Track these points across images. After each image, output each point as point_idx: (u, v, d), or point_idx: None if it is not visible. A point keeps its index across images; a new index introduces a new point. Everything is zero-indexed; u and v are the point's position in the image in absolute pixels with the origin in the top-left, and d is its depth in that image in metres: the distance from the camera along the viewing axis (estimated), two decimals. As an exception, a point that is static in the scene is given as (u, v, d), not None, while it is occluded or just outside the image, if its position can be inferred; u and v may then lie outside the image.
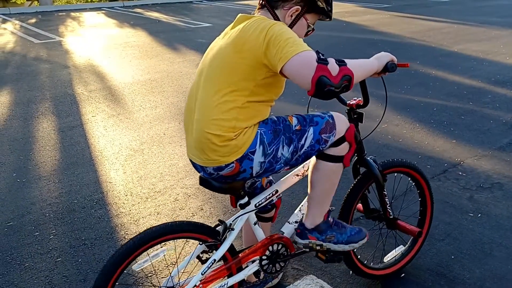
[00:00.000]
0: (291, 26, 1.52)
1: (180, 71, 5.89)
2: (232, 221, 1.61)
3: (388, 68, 1.59)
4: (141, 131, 3.82)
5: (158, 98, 4.76)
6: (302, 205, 1.81)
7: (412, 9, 12.44)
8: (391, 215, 1.92)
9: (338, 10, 12.42)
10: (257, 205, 1.63)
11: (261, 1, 1.54)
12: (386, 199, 1.89)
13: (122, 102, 4.64)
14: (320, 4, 1.51)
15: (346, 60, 1.40)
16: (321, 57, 1.33)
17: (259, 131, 1.48)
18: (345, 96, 4.58)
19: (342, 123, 1.61)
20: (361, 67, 1.47)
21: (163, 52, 7.14)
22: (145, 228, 1.86)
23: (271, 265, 1.71)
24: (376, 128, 1.97)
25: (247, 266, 1.68)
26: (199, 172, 1.58)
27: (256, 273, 1.72)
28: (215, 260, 1.54)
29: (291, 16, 1.51)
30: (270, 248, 1.69)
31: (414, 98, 4.56)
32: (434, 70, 5.70)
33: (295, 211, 1.81)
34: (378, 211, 1.94)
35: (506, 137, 3.54)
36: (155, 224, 2.08)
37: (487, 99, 4.42)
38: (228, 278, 1.63)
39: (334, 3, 14.12)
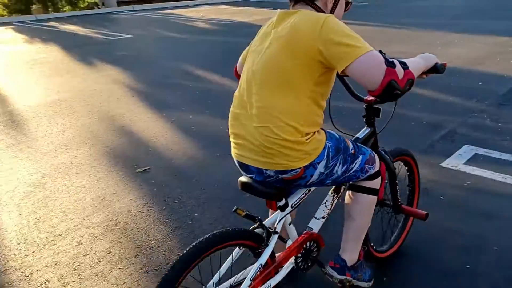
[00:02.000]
0: (333, 9, 1.54)
1: (94, 88, 5.45)
2: (272, 225, 1.65)
3: (439, 69, 1.67)
4: (43, 162, 3.39)
5: (67, 120, 4.31)
6: (326, 200, 1.82)
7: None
8: (400, 202, 2.04)
9: (214, 16, 12.22)
10: (293, 205, 1.66)
11: None
12: (397, 188, 2.01)
13: (24, 128, 4.14)
14: None
15: (406, 61, 1.44)
16: (388, 59, 1.35)
17: (327, 143, 1.53)
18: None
19: (378, 159, 1.74)
20: (417, 68, 1.54)
21: (76, 68, 6.62)
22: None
23: (304, 262, 1.77)
24: (387, 124, 1.94)
25: (283, 266, 1.72)
26: (247, 175, 1.57)
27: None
28: (261, 264, 1.56)
29: (336, 1, 1.53)
30: (304, 246, 1.75)
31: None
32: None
33: (320, 207, 1.82)
34: (389, 199, 2.06)
35: (428, 139, 3.53)
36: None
37: (406, 101, 4.45)
38: (270, 279, 1.65)
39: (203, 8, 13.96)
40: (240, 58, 1.78)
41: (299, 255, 1.74)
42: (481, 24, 9.14)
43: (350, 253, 1.79)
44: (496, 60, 6.04)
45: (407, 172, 2.23)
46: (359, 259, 1.82)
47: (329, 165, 1.53)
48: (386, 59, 1.34)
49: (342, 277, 1.77)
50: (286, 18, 1.48)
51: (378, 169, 1.72)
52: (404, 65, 1.39)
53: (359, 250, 1.81)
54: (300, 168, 1.47)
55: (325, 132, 1.55)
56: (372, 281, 1.89)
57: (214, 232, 1.44)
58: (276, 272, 1.67)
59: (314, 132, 1.48)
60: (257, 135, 1.45)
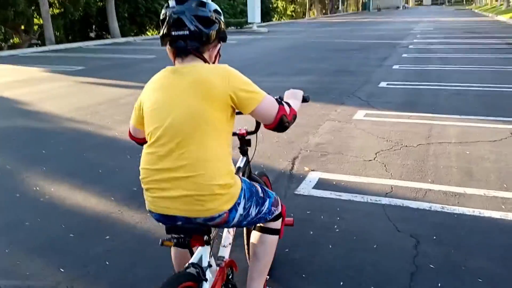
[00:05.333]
0: (215, 60, 1.83)
1: None
2: (200, 261, 1.73)
3: (307, 99, 2.15)
4: None
5: None
6: (228, 230, 2.10)
7: (109, 71, 11.26)
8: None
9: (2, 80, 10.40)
10: (214, 237, 1.86)
11: (182, 53, 1.71)
12: None
13: None
14: (224, 35, 1.81)
15: (289, 102, 1.87)
16: (278, 99, 1.78)
17: (243, 185, 1.75)
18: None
19: (280, 201, 2.01)
20: (296, 103, 1.95)
21: None
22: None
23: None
24: (254, 152, 2.44)
25: None
26: (175, 224, 1.67)
27: None
28: None
29: (217, 52, 1.81)
30: (227, 272, 1.95)
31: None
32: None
33: (225, 234, 2.10)
34: None
35: (281, 165, 4.31)
36: None
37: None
38: None
39: (6, 70, 11.87)
40: (132, 121, 1.90)
41: (223, 284, 1.90)
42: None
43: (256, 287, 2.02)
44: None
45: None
46: None
47: (246, 207, 1.74)
48: (277, 100, 1.76)
49: None
50: (179, 72, 1.68)
51: (280, 211, 1.99)
52: (288, 105, 1.83)
53: (264, 282, 2.07)
54: (225, 211, 1.64)
55: (239, 176, 1.77)
56: None
57: (164, 282, 1.53)
58: None
59: (235, 175, 1.71)
60: (189, 185, 1.58)
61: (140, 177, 1.72)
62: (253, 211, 1.79)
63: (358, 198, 3.63)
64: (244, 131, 2.30)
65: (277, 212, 1.97)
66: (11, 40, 17.98)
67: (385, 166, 4.30)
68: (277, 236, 2.02)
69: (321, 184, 3.94)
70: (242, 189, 1.73)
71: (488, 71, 9.56)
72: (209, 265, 1.75)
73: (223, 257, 1.97)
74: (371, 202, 3.55)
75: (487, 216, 3.27)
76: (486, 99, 7.04)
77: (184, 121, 1.59)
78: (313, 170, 4.25)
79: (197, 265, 1.68)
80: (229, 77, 1.65)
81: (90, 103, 7.47)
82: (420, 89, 8.01)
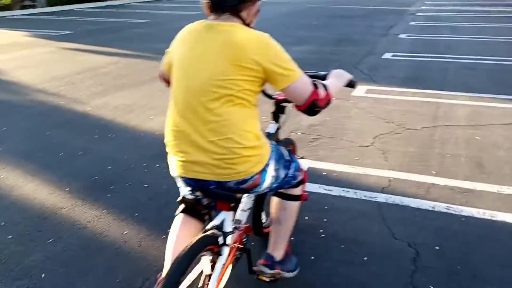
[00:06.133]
0: (252, 20, 1.68)
1: None
2: (222, 226, 1.73)
3: (353, 84, 2.01)
4: None
5: None
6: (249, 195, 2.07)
7: (97, 36, 10.57)
8: None
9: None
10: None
11: (219, 9, 1.59)
12: None
13: None
14: None
15: (327, 84, 1.76)
16: (314, 82, 1.69)
17: (272, 147, 1.75)
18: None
19: (303, 168, 1.99)
20: (334, 88, 1.82)
21: None
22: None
23: (240, 253, 1.96)
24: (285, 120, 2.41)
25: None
26: (202, 189, 1.65)
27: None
28: (223, 264, 1.70)
29: (256, 10, 1.67)
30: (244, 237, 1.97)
31: None
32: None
33: (244, 199, 2.04)
34: None
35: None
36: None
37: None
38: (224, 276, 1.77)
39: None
40: (162, 66, 1.85)
41: (241, 245, 1.94)
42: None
43: (278, 251, 2.04)
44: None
45: None
46: (285, 252, 2.09)
47: (276, 168, 1.74)
48: (312, 82, 1.67)
49: (273, 271, 2.01)
50: (215, 29, 1.58)
51: (303, 177, 1.98)
52: (325, 87, 1.72)
53: (286, 246, 2.09)
54: (257, 173, 1.64)
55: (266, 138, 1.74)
56: (298, 269, 2.19)
57: (187, 246, 1.53)
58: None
59: (264, 137, 1.70)
60: (217, 149, 1.56)
61: (165, 140, 1.70)
62: (282, 174, 1.81)
63: (350, 193, 3.13)
64: (281, 98, 2.23)
65: (300, 178, 1.96)
66: (2, 1, 17.12)
67: (383, 153, 3.78)
68: (298, 202, 2.04)
69: (309, 175, 3.42)
70: (271, 151, 1.74)
71: (502, 43, 8.86)
72: (231, 231, 1.76)
73: (242, 221, 1.99)
74: (364, 199, 3.05)
75: (501, 221, 2.77)
76: (499, 74, 6.41)
77: (211, 83, 1.53)
78: (302, 157, 3.70)
79: (221, 229, 1.71)
80: (267, 48, 1.57)
81: (68, 72, 6.89)
82: (427, 61, 7.38)
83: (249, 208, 2.08)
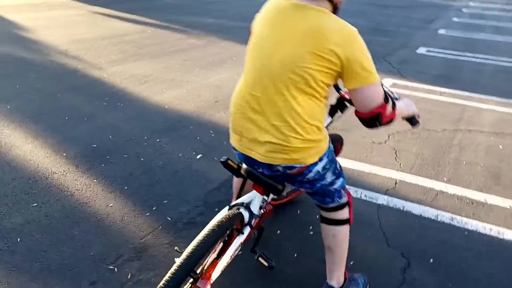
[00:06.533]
0: (342, 0, 1.57)
1: None
2: (256, 207, 1.80)
3: (413, 123, 1.91)
4: None
5: None
6: None
7: (129, 3, 10.51)
8: None
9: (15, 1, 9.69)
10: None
11: None
12: None
13: None
14: None
15: (397, 104, 1.67)
16: (386, 95, 1.56)
17: (330, 145, 1.71)
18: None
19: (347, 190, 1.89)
20: (401, 113, 1.75)
21: None
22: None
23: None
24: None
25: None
26: (252, 167, 1.68)
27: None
28: (241, 243, 1.77)
29: None
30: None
31: (196, 98, 4.42)
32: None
33: None
34: None
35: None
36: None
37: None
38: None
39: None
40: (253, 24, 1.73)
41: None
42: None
43: (337, 279, 1.95)
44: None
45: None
46: (345, 278, 2.00)
47: (326, 167, 1.68)
48: (384, 94, 1.55)
49: None
50: (301, 11, 1.48)
51: (347, 200, 1.89)
52: (393, 106, 1.62)
53: (343, 272, 1.98)
54: (308, 165, 1.60)
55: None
56: (368, 286, 2.07)
57: (214, 223, 1.58)
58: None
59: (326, 132, 1.66)
60: (277, 133, 1.52)
61: (230, 109, 1.69)
62: (329, 178, 1.74)
63: (350, 191, 2.96)
64: (347, 96, 2.13)
65: (345, 199, 1.88)
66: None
67: (396, 153, 3.58)
68: (347, 226, 1.93)
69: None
70: (329, 148, 1.69)
71: (547, 48, 8.33)
72: (258, 215, 1.79)
73: (268, 202, 1.96)
74: (364, 200, 2.88)
75: (508, 240, 2.56)
76: (538, 81, 6.02)
77: (287, 67, 1.47)
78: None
79: (250, 210, 1.76)
80: (351, 42, 1.47)
81: (93, 36, 6.88)
82: (463, 61, 6.99)
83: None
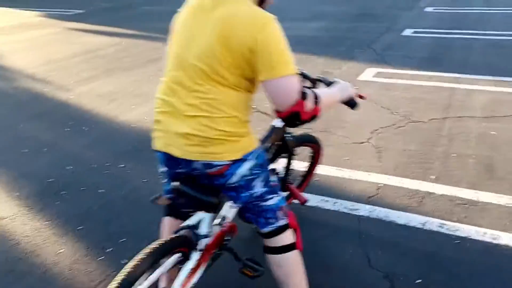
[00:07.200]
0: None
1: None
2: (203, 227, 1.63)
3: (352, 105, 1.75)
4: None
5: None
6: None
7: (108, 14, 10.31)
8: (288, 180, 2.28)
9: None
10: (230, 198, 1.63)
11: None
12: (290, 167, 2.25)
13: None
14: None
15: (321, 96, 1.48)
16: (303, 90, 1.41)
17: (259, 150, 1.56)
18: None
19: (288, 213, 1.68)
20: (330, 102, 1.60)
21: None
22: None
23: (217, 253, 1.80)
24: None
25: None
26: (170, 169, 1.56)
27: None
28: (191, 269, 1.55)
29: None
30: (225, 238, 1.79)
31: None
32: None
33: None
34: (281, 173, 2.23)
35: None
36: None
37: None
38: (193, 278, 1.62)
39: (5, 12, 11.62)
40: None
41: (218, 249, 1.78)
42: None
43: None
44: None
45: (310, 158, 2.56)
46: None
47: (253, 171, 1.52)
48: (301, 91, 1.39)
49: None
50: (217, 3, 1.40)
51: (287, 222, 1.67)
52: (316, 100, 1.45)
53: None
54: (227, 162, 1.46)
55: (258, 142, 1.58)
56: None
57: (152, 245, 1.42)
58: (197, 269, 1.66)
59: (250, 129, 1.52)
60: (196, 125, 1.42)
61: (154, 107, 1.60)
62: (257, 188, 1.56)
63: (329, 203, 2.70)
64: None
65: (282, 221, 1.66)
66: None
67: (378, 152, 3.30)
68: (295, 252, 1.69)
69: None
70: (257, 150, 1.55)
71: (540, 15, 7.98)
72: (206, 236, 1.62)
73: (227, 219, 1.80)
74: (344, 212, 2.61)
75: (504, 245, 2.29)
76: (532, 53, 5.70)
77: (200, 59, 1.40)
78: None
79: (195, 231, 1.59)
80: (261, 29, 1.34)
81: (65, 55, 6.62)
82: (451, 38, 6.68)
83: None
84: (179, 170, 1.54)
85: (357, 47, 6.45)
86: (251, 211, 1.64)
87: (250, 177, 1.53)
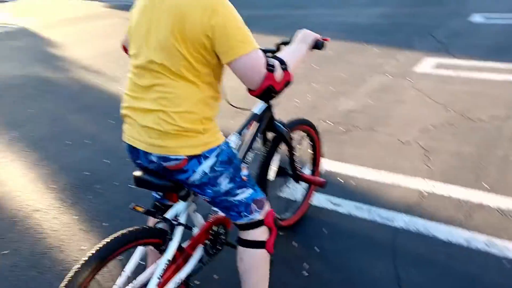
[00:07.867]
0: None
1: None
2: (174, 217, 1.59)
3: (319, 46, 1.70)
4: None
5: None
6: None
7: None
8: (299, 171, 2.19)
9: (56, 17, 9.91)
10: (195, 193, 1.61)
11: None
12: (294, 157, 2.14)
13: None
14: None
15: (286, 60, 1.47)
16: (269, 62, 1.40)
17: (222, 147, 1.51)
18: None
19: (268, 208, 1.65)
20: (298, 59, 1.58)
21: None
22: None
23: (213, 248, 1.78)
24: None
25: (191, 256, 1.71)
26: (135, 162, 1.55)
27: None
28: (168, 260, 1.52)
29: None
30: (211, 231, 1.76)
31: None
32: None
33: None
34: (286, 168, 2.19)
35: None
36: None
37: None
38: (179, 272, 1.62)
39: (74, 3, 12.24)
40: (126, 33, 1.62)
41: (207, 241, 1.75)
42: None
43: None
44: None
45: (309, 142, 2.38)
46: None
47: (216, 169, 1.48)
48: (267, 63, 1.38)
49: None
50: None
51: (263, 218, 1.62)
52: (284, 66, 1.44)
53: None
54: (184, 157, 1.43)
55: (224, 137, 1.55)
56: None
57: (113, 236, 1.39)
58: (185, 264, 1.67)
59: (211, 126, 1.47)
60: (154, 118, 1.41)
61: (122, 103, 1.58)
62: (223, 184, 1.52)
63: (363, 211, 2.49)
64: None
65: (257, 216, 1.61)
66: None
67: (426, 154, 3.01)
68: (261, 251, 1.62)
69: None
70: (218, 147, 1.49)
71: None
72: (180, 223, 1.58)
73: (216, 211, 1.79)
74: (379, 223, 2.39)
75: None
76: None
77: (157, 51, 1.37)
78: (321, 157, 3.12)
79: (169, 221, 1.56)
80: (212, 11, 1.31)
81: (118, 47, 6.80)
82: (527, 24, 6.02)
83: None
84: (139, 161, 1.54)
85: (417, 34, 6.01)
86: (219, 206, 1.59)
87: (213, 175, 1.49)
